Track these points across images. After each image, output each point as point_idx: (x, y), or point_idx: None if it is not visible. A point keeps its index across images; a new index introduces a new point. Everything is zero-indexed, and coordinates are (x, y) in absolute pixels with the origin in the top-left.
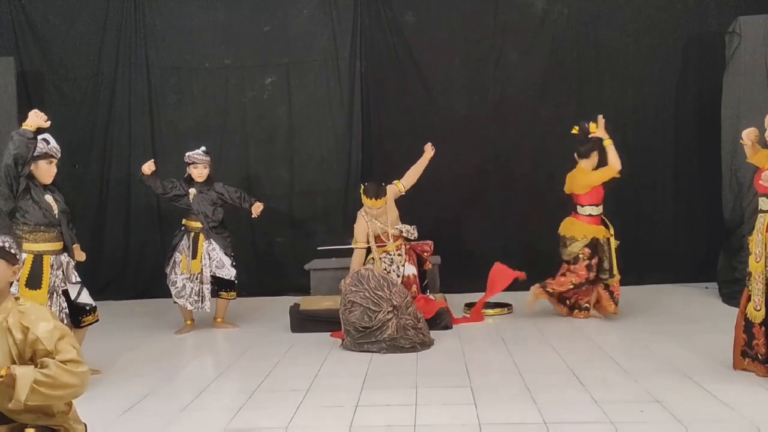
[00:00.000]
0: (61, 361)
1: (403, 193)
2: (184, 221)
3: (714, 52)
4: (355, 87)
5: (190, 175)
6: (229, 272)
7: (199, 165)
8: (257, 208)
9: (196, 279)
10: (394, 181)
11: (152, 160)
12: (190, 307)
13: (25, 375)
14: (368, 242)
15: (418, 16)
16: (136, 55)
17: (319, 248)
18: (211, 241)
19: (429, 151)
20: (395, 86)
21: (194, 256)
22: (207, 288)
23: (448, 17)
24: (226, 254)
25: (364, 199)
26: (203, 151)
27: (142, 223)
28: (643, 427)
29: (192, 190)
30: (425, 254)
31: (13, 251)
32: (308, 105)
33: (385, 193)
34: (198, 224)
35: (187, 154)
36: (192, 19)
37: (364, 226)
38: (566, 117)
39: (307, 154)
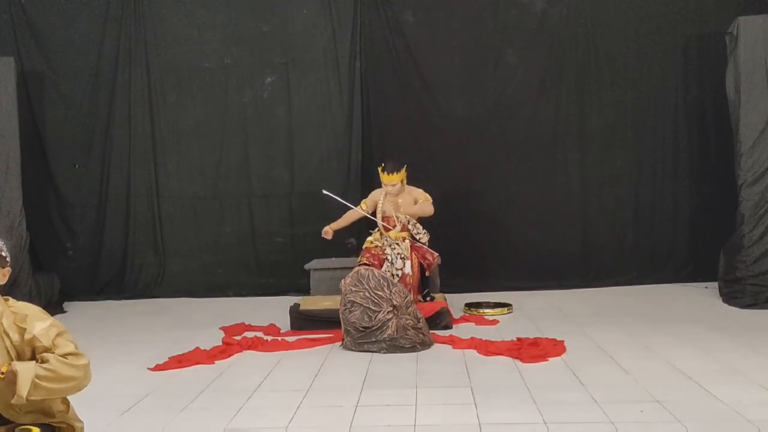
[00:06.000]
0: (61, 355)
1: (428, 201)
2: None
3: (714, 52)
4: (355, 87)
5: None
6: None
7: None
8: None
9: None
10: (425, 193)
11: None
12: None
13: (26, 370)
14: (373, 210)
15: (418, 16)
16: (136, 55)
17: (324, 191)
18: None
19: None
20: (395, 86)
21: None
22: None
23: (448, 17)
24: None
25: (381, 175)
26: None
27: (142, 223)
28: (643, 427)
29: None
30: (426, 262)
31: (3, 254)
32: (308, 105)
33: (400, 169)
34: None
35: None
36: (192, 19)
37: (377, 193)
38: (566, 117)
39: (307, 154)
